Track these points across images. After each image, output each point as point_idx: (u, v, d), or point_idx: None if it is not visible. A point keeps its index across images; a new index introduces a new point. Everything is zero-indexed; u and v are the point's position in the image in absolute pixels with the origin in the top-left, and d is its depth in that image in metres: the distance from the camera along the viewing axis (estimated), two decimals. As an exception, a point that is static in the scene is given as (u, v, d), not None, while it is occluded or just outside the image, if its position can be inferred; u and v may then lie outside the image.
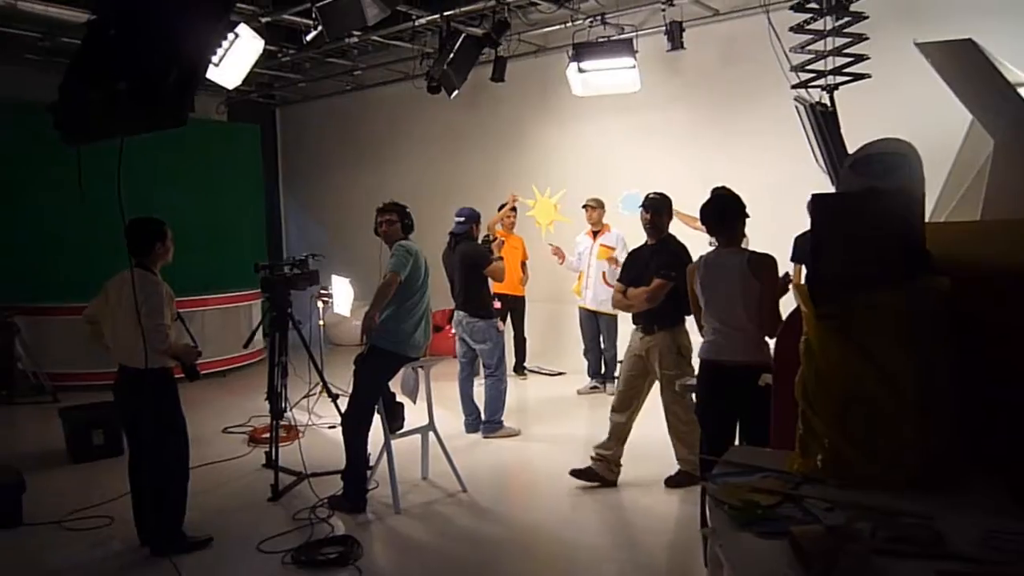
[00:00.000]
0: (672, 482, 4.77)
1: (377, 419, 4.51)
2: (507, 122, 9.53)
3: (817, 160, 6.04)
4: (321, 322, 6.76)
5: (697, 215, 6.67)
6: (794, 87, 5.85)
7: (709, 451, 3.44)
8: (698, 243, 6.27)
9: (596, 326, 7.27)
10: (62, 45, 8.06)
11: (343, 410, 4.56)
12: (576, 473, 4.80)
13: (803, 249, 5.33)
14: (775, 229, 5.93)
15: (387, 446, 4.53)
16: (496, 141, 9.64)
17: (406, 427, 4.86)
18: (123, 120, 2.67)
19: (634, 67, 7.42)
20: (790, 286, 3.70)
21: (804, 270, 5.20)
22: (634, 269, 4.82)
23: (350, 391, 4.51)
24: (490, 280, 6.00)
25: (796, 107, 6.05)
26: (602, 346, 7.32)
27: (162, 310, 3.63)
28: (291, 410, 5.14)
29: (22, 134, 8.15)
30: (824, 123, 5.28)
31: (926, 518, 1.64)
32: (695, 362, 4.24)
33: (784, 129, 7.47)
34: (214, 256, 9.62)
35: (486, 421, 5.91)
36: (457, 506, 4.60)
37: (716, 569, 1.70)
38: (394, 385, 4.72)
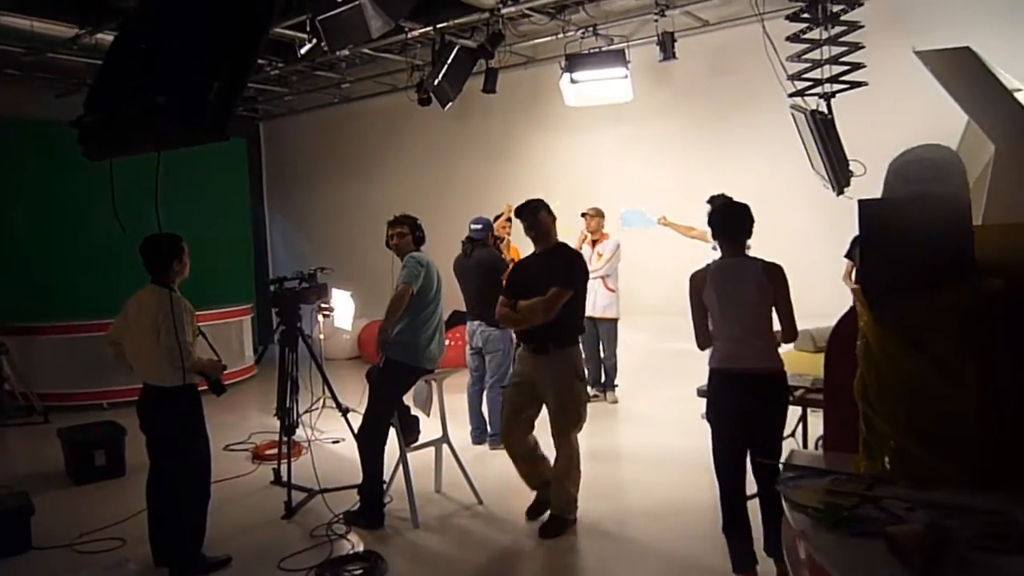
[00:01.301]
0: (548, 531, 4.23)
1: (391, 432, 4.48)
2: (498, 133, 9.57)
3: (814, 167, 6.13)
4: (321, 336, 6.71)
5: (690, 225, 6.89)
6: (791, 95, 5.94)
7: (725, 461, 3.43)
8: (686, 253, 6.34)
9: (596, 334, 7.28)
10: (46, 60, 7.95)
11: (356, 425, 4.53)
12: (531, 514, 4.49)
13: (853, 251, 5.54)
14: (767, 236, 6.00)
15: (403, 460, 4.50)
16: (487, 152, 9.67)
17: (420, 433, 4.82)
18: (160, 135, 2.64)
19: (626, 77, 7.50)
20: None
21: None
22: (521, 282, 4.29)
23: (364, 405, 4.47)
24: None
25: (793, 115, 6.14)
26: (602, 354, 7.33)
27: (183, 328, 3.58)
28: (300, 426, 5.08)
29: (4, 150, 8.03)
30: (824, 130, 5.36)
31: (1002, 514, 1.67)
32: (702, 373, 3.79)
33: (774, 137, 7.55)
34: (203, 272, 9.44)
35: (493, 434, 5.88)
36: (475, 518, 4.57)
37: (798, 569, 1.71)
38: (406, 398, 4.70)
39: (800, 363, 4.51)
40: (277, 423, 4.93)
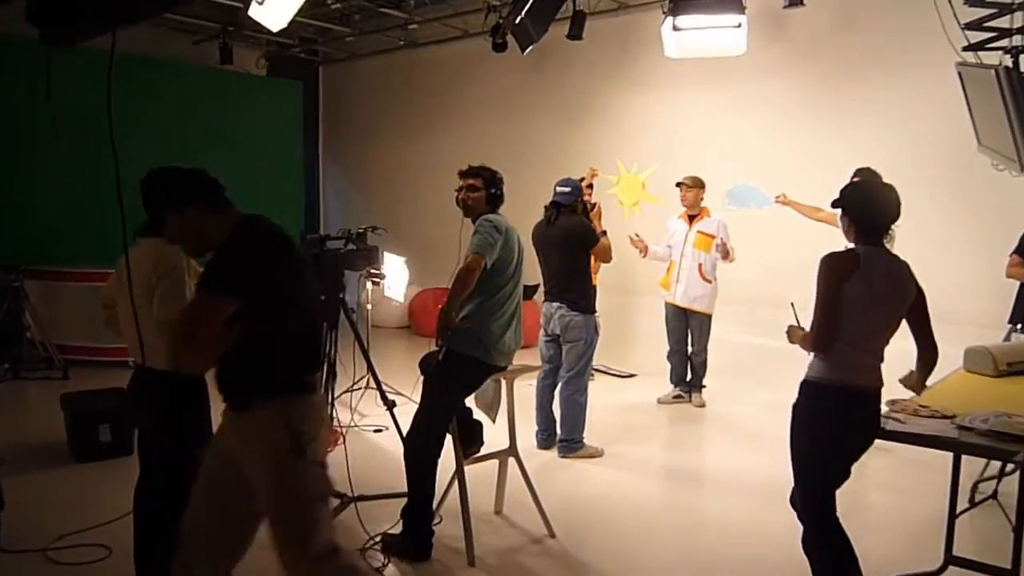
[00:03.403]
0: None
1: (447, 440, 3.55)
2: (580, 87, 8.48)
3: (982, 142, 4.96)
4: (369, 305, 5.81)
5: (816, 205, 5.73)
6: (967, 48, 4.78)
7: (830, 488, 2.81)
8: (787, 238, 5.30)
9: (685, 326, 6.25)
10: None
11: (406, 421, 3.61)
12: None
13: None
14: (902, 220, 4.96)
15: (460, 475, 3.56)
16: (567, 108, 8.59)
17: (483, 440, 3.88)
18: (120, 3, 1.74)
19: (740, 26, 6.35)
20: None
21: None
22: None
23: (418, 400, 3.54)
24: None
25: (960, 74, 4.97)
26: (691, 349, 6.30)
27: (183, 295, 2.68)
28: (336, 412, 4.21)
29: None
30: (1020, 91, 4.19)
31: None
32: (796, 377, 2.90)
33: (906, 106, 6.43)
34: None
35: (564, 439, 4.92)
36: (545, 557, 3.61)
37: None
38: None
39: (979, 393, 3.43)
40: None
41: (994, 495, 3.96)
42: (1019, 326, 5.02)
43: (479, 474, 3.89)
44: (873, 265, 2.70)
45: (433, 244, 6.06)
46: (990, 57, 4.70)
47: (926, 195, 6.18)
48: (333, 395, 3.92)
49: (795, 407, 2.81)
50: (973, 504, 3.88)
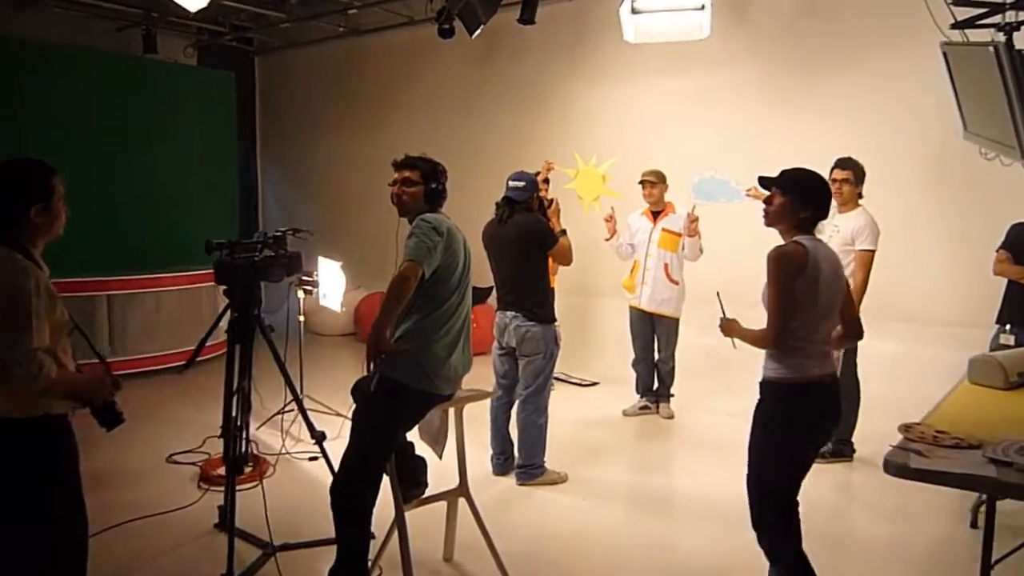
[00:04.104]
0: None
1: (386, 481, 2.99)
2: (534, 76, 7.95)
3: (969, 128, 4.58)
4: (301, 317, 5.19)
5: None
6: (955, 26, 4.39)
7: (792, 491, 2.74)
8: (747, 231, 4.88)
9: (651, 331, 5.77)
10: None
11: (335, 467, 3.04)
12: None
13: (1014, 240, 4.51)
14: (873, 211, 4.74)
15: (400, 524, 3.00)
16: (521, 98, 8.05)
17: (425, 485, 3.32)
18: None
19: (704, 8, 5.90)
20: None
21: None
22: None
23: (348, 437, 2.98)
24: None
25: (946, 56, 4.58)
26: (657, 356, 5.83)
27: (26, 321, 2.07)
28: (254, 449, 3.63)
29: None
30: (1019, 70, 3.79)
31: None
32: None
33: (876, 95, 6.06)
34: (174, 226, 8.01)
35: (522, 465, 4.38)
36: (501, 615, 3.10)
37: None
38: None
39: (993, 410, 3.01)
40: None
41: None
42: (1008, 327, 4.66)
43: (426, 515, 3.34)
44: (818, 256, 2.71)
45: (380, 245, 5.50)
46: (977, 37, 4.33)
47: (905, 188, 5.83)
48: (246, 429, 3.32)
49: (758, 408, 2.78)
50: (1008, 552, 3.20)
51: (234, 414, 3.27)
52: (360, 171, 9.15)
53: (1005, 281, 4.69)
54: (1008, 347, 4.58)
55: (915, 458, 2.39)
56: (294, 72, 10.28)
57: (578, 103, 7.73)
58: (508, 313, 4.29)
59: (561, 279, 6.19)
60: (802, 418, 2.71)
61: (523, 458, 4.37)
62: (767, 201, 2.80)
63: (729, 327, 2.90)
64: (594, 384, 6.86)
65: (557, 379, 6.60)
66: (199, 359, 4.14)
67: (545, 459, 4.44)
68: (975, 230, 5.34)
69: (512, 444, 4.52)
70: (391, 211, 3.16)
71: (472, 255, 3.12)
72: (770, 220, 2.81)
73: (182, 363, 3.42)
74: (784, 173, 2.81)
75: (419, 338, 2.86)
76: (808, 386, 2.69)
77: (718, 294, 3.04)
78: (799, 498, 2.75)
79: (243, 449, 3.30)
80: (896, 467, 2.37)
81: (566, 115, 7.78)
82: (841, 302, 2.82)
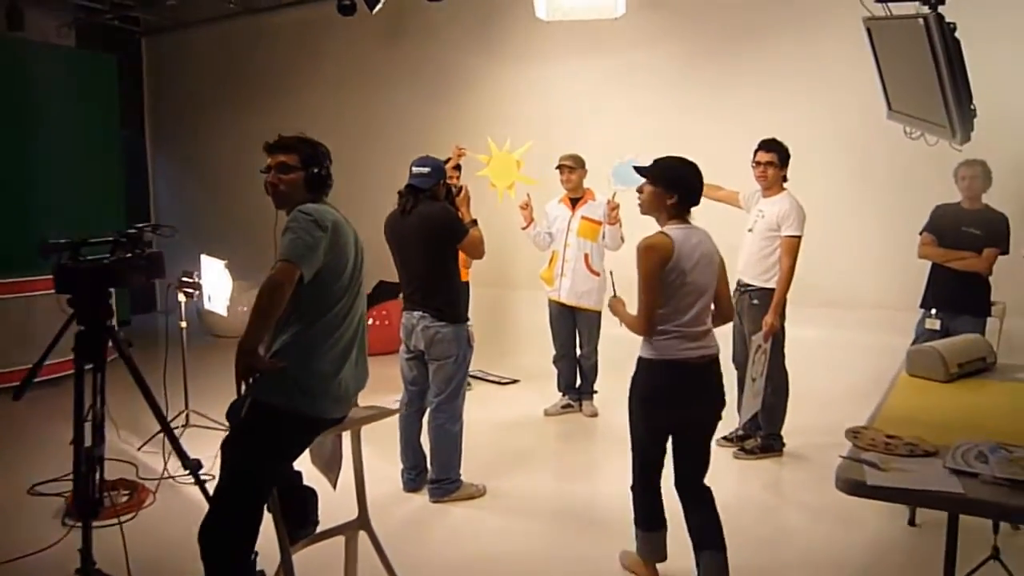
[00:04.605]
0: None
1: (268, 519, 2.54)
2: (443, 56, 7.53)
3: (893, 108, 4.42)
4: (183, 323, 4.60)
5: (716, 184, 5.05)
6: (880, 0, 4.21)
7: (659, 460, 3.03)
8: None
9: (573, 325, 5.46)
10: None
11: (207, 512, 2.57)
12: None
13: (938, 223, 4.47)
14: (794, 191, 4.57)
15: (286, 567, 2.57)
16: (429, 80, 7.62)
17: (319, 516, 2.88)
18: None
19: (619, -16, 5.59)
20: None
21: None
22: None
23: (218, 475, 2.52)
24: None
25: (870, 31, 4.38)
26: (579, 352, 5.52)
27: None
28: (108, 496, 3.11)
29: None
30: (949, 46, 3.61)
31: None
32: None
33: (807, 70, 5.89)
34: (45, 224, 7.20)
35: (435, 480, 3.98)
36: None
37: None
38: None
39: (936, 406, 2.80)
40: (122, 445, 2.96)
41: (995, 554, 2.87)
42: (933, 311, 4.54)
43: (325, 548, 2.90)
44: (686, 245, 2.81)
45: (277, 244, 4.97)
46: (900, 11, 4.15)
47: (827, 168, 5.69)
48: (100, 458, 2.79)
49: (632, 383, 2.95)
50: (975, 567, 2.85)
51: (86, 445, 2.75)
52: (259, 158, 8.49)
53: (929, 264, 4.58)
54: (934, 331, 4.47)
55: (870, 473, 2.11)
56: (185, 54, 9.53)
57: (491, 84, 7.35)
58: (415, 313, 3.86)
59: (475, 271, 5.81)
60: (661, 391, 2.88)
61: (436, 472, 3.97)
62: (639, 191, 2.94)
63: (614, 306, 3.06)
64: (514, 382, 6.51)
65: (474, 377, 6.25)
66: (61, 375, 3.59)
67: (461, 471, 4.05)
68: (899, 212, 5.22)
69: (425, 457, 4.11)
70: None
71: (365, 251, 2.69)
72: (643, 209, 2.95)
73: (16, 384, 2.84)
74: (655, 162, 2.93)
75: (298, 353, 2.41)
76: (673, 365, 2.83)
77: (611, 273, 3.31)
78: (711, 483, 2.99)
79: (96, 489, 2.77)
80: (851, 484, 2.08)
81: (478, 97, 7.39)
82: (716, 285, 2.94)
